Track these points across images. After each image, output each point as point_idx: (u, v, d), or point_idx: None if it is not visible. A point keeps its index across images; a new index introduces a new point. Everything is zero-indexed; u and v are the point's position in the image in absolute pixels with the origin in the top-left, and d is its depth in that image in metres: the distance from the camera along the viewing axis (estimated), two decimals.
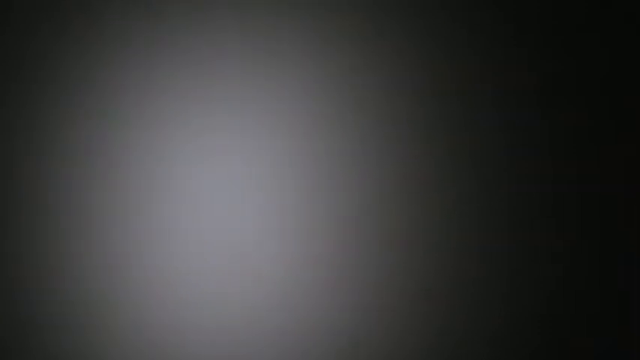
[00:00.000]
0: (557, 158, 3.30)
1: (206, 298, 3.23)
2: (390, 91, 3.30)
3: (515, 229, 3.28)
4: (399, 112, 3.29)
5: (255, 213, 3.27)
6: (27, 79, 3.26)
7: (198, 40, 3.29)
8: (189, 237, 3.25)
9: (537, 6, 3.24)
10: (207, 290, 3.24)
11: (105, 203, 3.25)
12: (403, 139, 3.29)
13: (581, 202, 3.28)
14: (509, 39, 3.27)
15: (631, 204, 3.27)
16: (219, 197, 3.27)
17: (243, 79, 3.29)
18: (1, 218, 3.24)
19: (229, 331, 3.24)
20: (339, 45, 3.29)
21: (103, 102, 3.27)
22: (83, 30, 3.27)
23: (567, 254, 3.28)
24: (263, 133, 3.28)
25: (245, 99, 3.28)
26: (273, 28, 3.27)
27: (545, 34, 3.29)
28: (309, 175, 3.28)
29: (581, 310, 3.26)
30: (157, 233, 3.24)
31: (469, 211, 3.28)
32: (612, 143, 3.26)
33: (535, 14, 3.26)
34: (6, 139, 3.25)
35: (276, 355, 3.24)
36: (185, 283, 3.24)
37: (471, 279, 3.26)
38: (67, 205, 3.25)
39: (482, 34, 3.30)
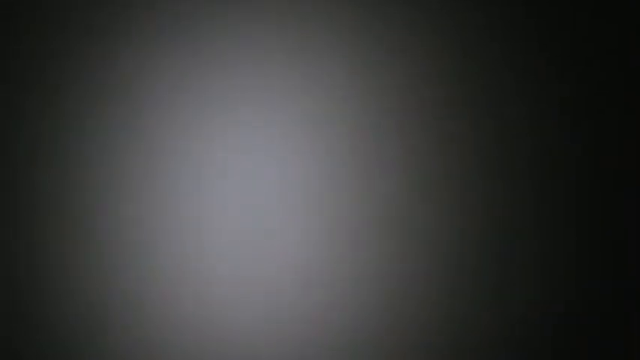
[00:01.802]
0: (571, 156, 3.30)
1: (228, 295, 3.24)
2: (411, 87, 3.29)
3: (532, 228, 3.27)
4: (424, 111, 3.28)
5: (281, 210, 3.26)
6: (51, 76, 3.27)
7: (222, 34, 3.28)
8: (212, 234, 3.25)
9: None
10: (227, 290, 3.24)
11: (129, 198, 3.25)
12: (427, 138, 3.28)
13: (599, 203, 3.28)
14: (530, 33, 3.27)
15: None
16: (243, 194, 3.27)
17: (271, 75, 3.28)
18: (13, 215, 3.23)
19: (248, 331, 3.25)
20: (361, 42, 3.29)
21: (122, 99, 3.27)
22: (105, 22, 3.27)
23: (578, 255, 3.28)
24: (291, 129, 3.26)
25: (271, 95, 3.27)
26: (296, 23, 3.26)
27: (565, 24, 3.30)
28: (333, 174, 3.27)
29: (590, 310, 3.26)
30: (179, 230, 3.25)
31: (488, 211, 3.27)
32: (636, 144, 3.26)
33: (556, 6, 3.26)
34: (22, 138, 3.25)
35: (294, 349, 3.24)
36: (203, 281, 3.24)
37: (488, 279, 3.26)
38: (87, 202, 3.24)
39: (503, 32, 3.30)
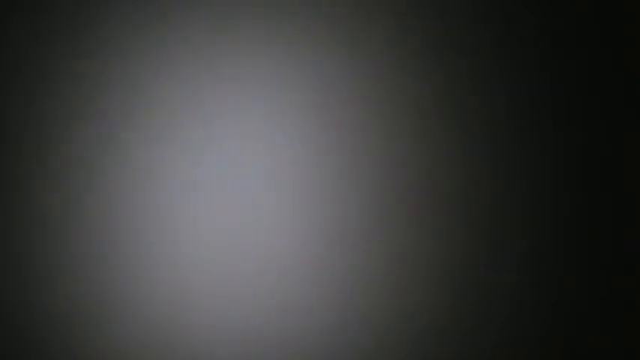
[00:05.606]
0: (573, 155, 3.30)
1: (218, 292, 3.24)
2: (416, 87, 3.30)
3: (531, 228, 3.27)
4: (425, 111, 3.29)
5: (279, 208, 3.27)
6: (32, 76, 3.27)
7: (211, 24, 3.29)
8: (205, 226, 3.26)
9: None
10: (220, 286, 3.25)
11: (121, 195, 3.26)
12: (424, 138, 3.28)
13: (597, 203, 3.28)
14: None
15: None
16: (234, 188, 3.27)
17: (268, 71, 3.29)
18: (14, 213, 3.25)
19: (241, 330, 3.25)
20: (360, 40, 3.29)
21: (111, 92, 3.28)
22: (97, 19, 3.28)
23: (578, 255, 3.28)
24: (287, 128, 3.27)
25: (265, 86, 3.28)
26: (295, 12, 3.26)
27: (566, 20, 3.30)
28: (330, 172, 3.28)
29: (588, 309, 3.26)
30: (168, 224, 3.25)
31: (486, 211, 3.27)
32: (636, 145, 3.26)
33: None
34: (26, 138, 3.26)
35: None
36: (196, 279, 3.25)
37: (486, 279, 3.26)
38: (85, 198, 3.25)
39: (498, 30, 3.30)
